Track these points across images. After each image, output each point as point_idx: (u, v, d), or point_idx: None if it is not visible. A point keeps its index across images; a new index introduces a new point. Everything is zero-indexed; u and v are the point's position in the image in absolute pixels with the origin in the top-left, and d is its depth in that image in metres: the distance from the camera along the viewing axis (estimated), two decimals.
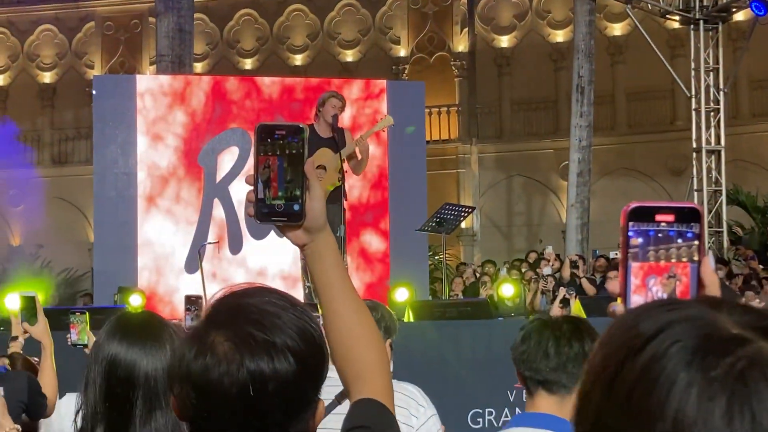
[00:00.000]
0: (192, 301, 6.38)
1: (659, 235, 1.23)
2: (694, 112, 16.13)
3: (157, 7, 17.75)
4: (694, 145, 16.11)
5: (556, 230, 21.35)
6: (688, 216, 1.24)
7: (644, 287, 1.23)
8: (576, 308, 10.17)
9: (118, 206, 12.62)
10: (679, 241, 1.23)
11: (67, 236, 22.48)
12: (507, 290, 13.04)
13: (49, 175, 23.49)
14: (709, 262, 1.24)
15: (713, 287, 1.23)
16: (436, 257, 16.85)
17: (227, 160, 12.65)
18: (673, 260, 1.23)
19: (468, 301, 11.13)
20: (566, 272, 13.34)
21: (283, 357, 1.54)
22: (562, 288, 11.41)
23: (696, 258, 1.23)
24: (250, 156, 12.24)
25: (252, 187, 1.66)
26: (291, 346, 1.55)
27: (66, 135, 25.03)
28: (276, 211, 1.66)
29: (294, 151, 1.66)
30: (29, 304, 4.61)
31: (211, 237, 12.26)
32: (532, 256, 16.05)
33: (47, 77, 25.84)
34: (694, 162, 16.17)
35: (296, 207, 1.66)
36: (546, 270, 13.60)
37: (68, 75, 25.61)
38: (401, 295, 11.46)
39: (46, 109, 25.53)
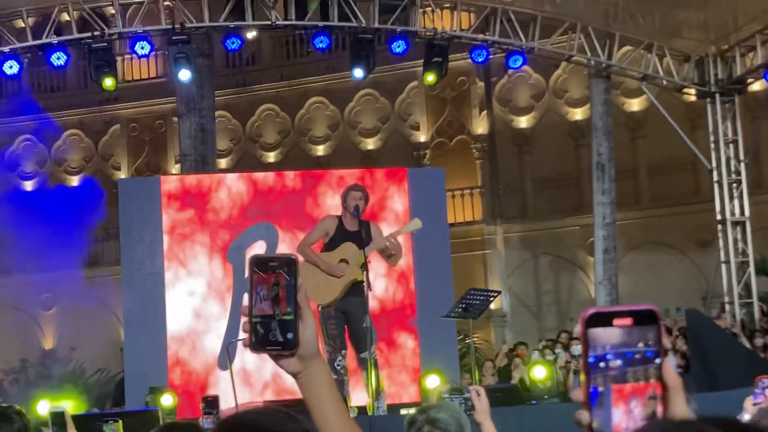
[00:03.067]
0: (209, 403, 6.37)
1: (637, 355, 1.24)
2: (716, 185, 16.13)
3: (179, 108, 18.13)
4: (719, 217, 16.08)
5: (587, 307, 21.05)
6: (646, 318, 1.24)
7: (627, 408, 1.23)
8: None
9: (146, 307, 12.73)
10: (657, 360, 1.24)
11: (99, 337, 22.57)
12: (539, 372, 12.94)
13: (80, 277, 23.66)
14: (670, 363, 1.25)
15: (676, 388, 1.26)
16: (466, 341, 16.78)
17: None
18: (652, 380, 1.24)
19: (499, 387, 11.07)
20: None
21: None
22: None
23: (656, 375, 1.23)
24: (277, 250, 12.35)
25: (246, 319, 1.71)
26: None
27: (96, 236, 25.28)
28: (269, 339, 1.70)
29: (294, 280, 1.71)
30: (59, 419, 4.66)
31: (243, 333, 12.29)
32: (564, 336, 15.95)
33: (74, 181, 26.22)
34: (719, 234, 16.12)
35: (290, 335, 1.70)
36: (575, 350, 13.51)
37: (95, 177, 25.96)
38: (432, 382, 11.42)
39: (74, 211, 25.81)
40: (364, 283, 9.10)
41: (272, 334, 1.70)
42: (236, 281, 12.79)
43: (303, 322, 1.72)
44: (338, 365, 9.30)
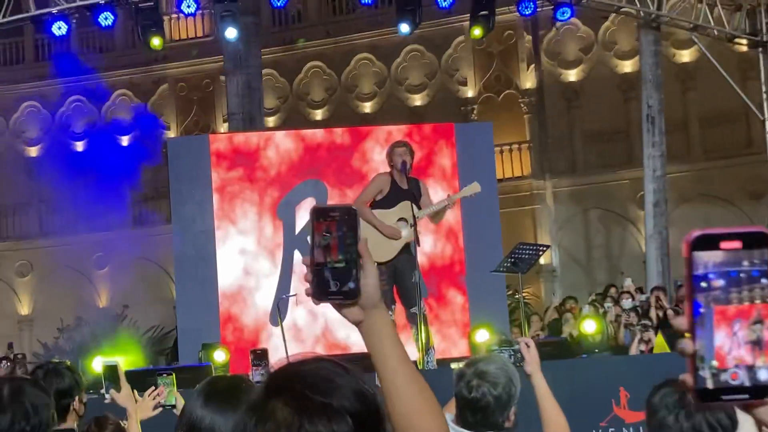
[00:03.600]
0: (258, 356, 6.42)
1: (742, 275, 1.17)
2: None
3: (226, 66, 18.16)
4: None
5: (638, 261, 21.09)
6: (757, 241, 1.17)
7: (726, 332, 1.17)
8: (659, 342, 10.07)
9: (198, 264, 12.86)
10: (764, 281, 1.16)
11: (152, 295, 22.89)
12: (589, 326, 12.90)
13: (132, 236, 23.96)
14: None
15: None
16: (516, 296, 16.77)
17: (305, 211, 12.82)
18: (758, 301, 1.16)
19: (548, 340, 11.07)
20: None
21: (341, 419, 1.58)
22: (637, 328, 11.30)
23: None
24: None
25: (308, 269, 1.73)
26: (348, 407, 1.59)
27: (145, 195, 25.55)
28: (332, 289, 1.72)
29: (348, 229, 1.73)
30: (112, 372, 4.72)
31: (293, 289, 12.41)
32: (613, 291, 15.88)
33: (125, 140, 26.45)
34: None
35: (351, 285, 1.72)
36: (626, 303, 13.45)
37: (145, 137, 26.18)
38: (482, 336, 11.46)
39: (126, 170, 26.08)
40: (413, 240, 9.12)
41: (327, 283, 1.71)
42: (286, 238, 12.87)
43: (364, 271, 1.73)
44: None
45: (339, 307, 1.75)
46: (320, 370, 1.63)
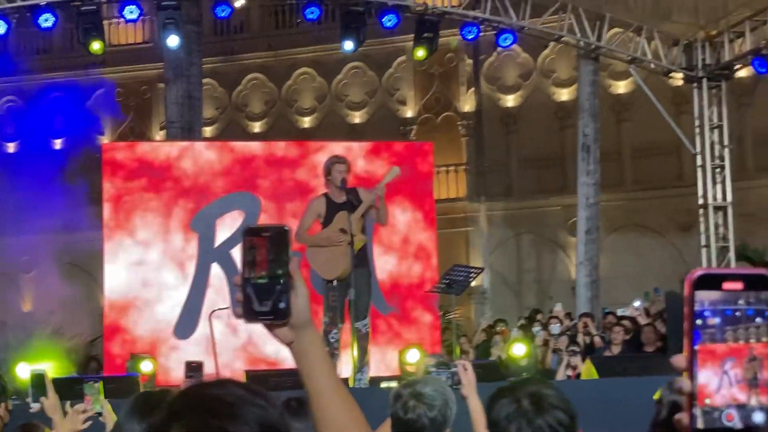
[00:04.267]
0: (193, 368, 6.39)
1: (737, 313, 1.17)
2: (699, 169, 16.19)
3: (167, 74, 18.02)
4: (701, 202, 16.15)
5: (566, 287, 21.34)
6: (758, 283, 1.16)
7: (720, 371, 1.17)
8: (586, 368, 10.17)
9: (80, 274, 12.81)
10: (758, 320, 1.16)
11: (79, 301, 22.53)
12: (518, 350, 13.01)
13: (61, 241, 23.58)
14: None
15: None
16: (447, 317, 16.85)
17: (227, 225, 12.71)
18: (752, 341, 1.16)
19: (479, 363, 11.12)
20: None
21: None
22: (565, 353, 11.42)
23: None
24: (258, 220, 12.33)
25: (240, 288, 1.71)
26: None
27: (77, 200, 25.17)
28: (262, 310, 1.70)
29: (276, 247, 1.71)
30: (39, 380, 4.64)
31: (207, 302, 12.29)
32: (540, 315, 16.05)
33: (58, 144, 26.08)
34: (701, 218, 16.20)
35: (282, 305, 1.70)
36: (554, 328, 13.60)
37: (79, 141, 25.83)
38: (412, 356, 11.47)
39: (57, 175, 25.71)
40: (368, 252, 9.12)
41: (251, 299, 1.69)
42: (201, 250, 12.72)
43: (295, 291, 1.71)
44: (332, 338, 9.27)
45: (270, 328, 1.74)
46: (226, 396, 1.58)
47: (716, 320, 1.16)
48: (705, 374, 1.17)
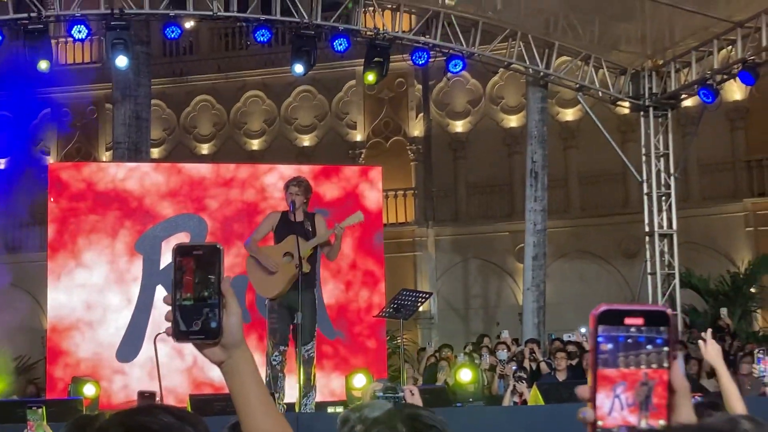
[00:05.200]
0: (146, 398, 6.33)
1: (629, 340, 1.21)
2: (645, 197, 16.38)
3: (114, 95, 17.87)
4: (647, 229, 16.33)
5: (513, 312, 21.44)
6: (658, 319, 1.22)
7: (612, 394, 1.22)
8: (533, 394, 10.19)
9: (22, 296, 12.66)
10: (649, 347, 1.22)
11: (21, 323, 22.16)
12: (465, 375, 13.00)
13: (3, 262, 23.23)
14: (679, 366, 1.23)
15: (684, 392, 1.24)
16: (394, 342, 16.82)
17: (173, 245, 12.57)
18: (643, 367, 1.22)
19: (426, 388, 11.10)
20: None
21: None
22: (512, 379, 11.45)
23: (666, 364, 1.22)
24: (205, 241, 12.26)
25: (170, 308, 1.68)
26: None
27: (20, 221, 24.84)
28: (193, 329, 1.68)
29: (205, 267, 1.69)
30: None
31: (154, 324, 12.15)
32: (487, 340, 16.10)
33: (2, 164, 25.73)
34: (647, 246, 16.37)
35: (213, 324, 1.68)
36: (501, 354, 13.63)
37: (24, 161, 25.51)
38: (359, 381, 11.42)
39: (1, 195, 25.36)
40: (315, 277, 9.10)
41: (195, 323, 1.67)
42: (145, 272, 12.60)
43: (227, 310, 1.70)
44: (274, 360, 9.23)
45: (200, 347, 1.72)
46: (152, 423, 1.57)
47: (609, 346, 1.21)
48: (599, 397, 1.22)
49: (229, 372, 1.74)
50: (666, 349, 1.22)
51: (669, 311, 1.25)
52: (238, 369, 1.74)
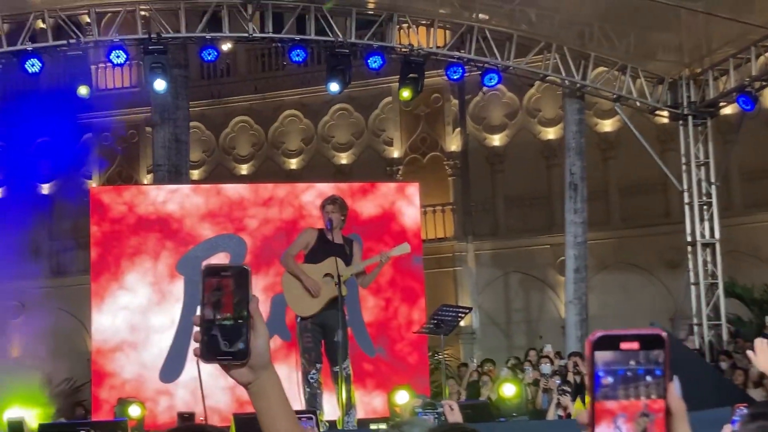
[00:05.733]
0: (185, 419, 6.36)
1: (628, 373, 1.24)
2: (687, 206, 16.25)
3: (154, 118, 18.05)
4: (689, 239, 16.19)
5: (556, 326, 21.32)
6: (653, 342, 1.25)
7: (613, 426, 1.23)
8: (578, 407, 10.14)
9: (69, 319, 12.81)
10: (648, 378, 1.24)
11: (66, 347, 22.39)
12: (508, 390, 12.97)
13: (48, 286, 23.50)
14: (675, 389, 1.25)
15: (680, 414, 1.26)
16: (436, 357, 16.79)
17: None
18: (642, 398, 1.24)
19: (468, 403, 11.07)
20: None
21: None
22: (556, 393, 11.39)
23: (663, 393, 1.24)
24: (244, 262, 12.31)
25: (198, 328, 1.70)
26: None
27: (64, 245, 25.13)
28: (219, 349, 1.69)
29: (238, 288, 1.71)
30: (17, 428, 4.59)
31: (196, 344, 12.22)
32: (532, 354, 16.01)
33: (45, 189, 26.06)
34: (689, 255, 16.22)
35: (241, 345, 1.69)
36: (544, 368, 13.56)
37: (66, 186, 25.82)
38: (401, 398, 11.41)
39: (45, 220, 25.67)
40: (339, 296, 9.10)
41: (216, 340, 1.69)
42: (187, 293, 12.69)
43: (255, 331, 1.70)
44: (312, 378, 9.25)
45: (227, 368, 1.73)
46: None
47: (610, 379, 1.24)
48: (599, 429, 1.24)
49: (256, 393, 1.75)
50: (654, 379, 1.24)
51: (664, 334, 1.26)
52: (265, 390, 1.75)
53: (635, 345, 1.25)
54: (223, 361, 1.71)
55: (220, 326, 1.69)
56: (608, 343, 1.25)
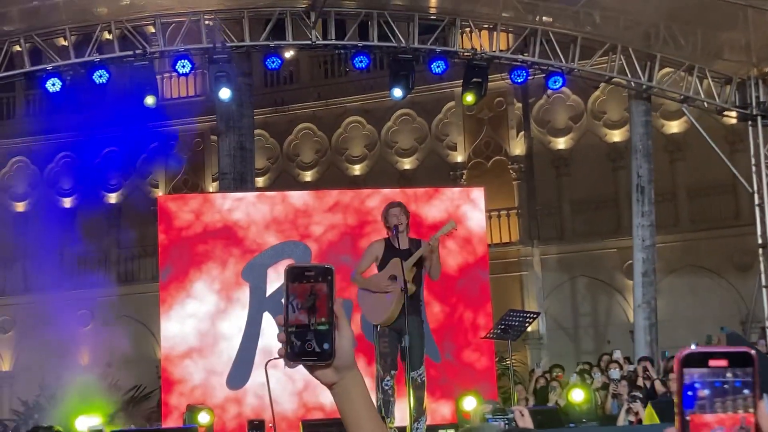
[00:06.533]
0: (255, 426, 6.39)
1: (725, 386, 1.23)
2: (757, 208, 15.96)
3: (219, 126, 18.21)
4: (760, 241, 15.89)
5: (624, 330, 21.05)
6: (742, 360, 1.24)
7: None
8: (648, 413, 9.98)
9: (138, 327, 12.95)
10: (746, 391, 1.23)
11: (135, 354, 22.67)
12: (577, 395, 12.83)
13: (116, 294, 23.82)
14: (765, 407, 1.23)
15: None
16: (503, 363, 16.68)
17: (279, 273, 12.76)
18: (740, 412, 1.22)
19: (538, 409, 10.97)
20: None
21: None
22: (625, 398, 11.23)
23: (752, 408, 1.23)
24: None
25: (283, 329, 1.69)
26: None
27: (132, 253, 25.46)
28: (305, 350, 1.68)
29: (330, 290, 1.70)
30: None
31: (262, 351, 12.30)
32: (605, 359, 15.82)
33: (113, 198, 26.43)
34: (761, 258, 15.92)
35: (326, 346, 1.68)
36: (613, 373, 13.38)
37: (134, 195, 26.19)
38: (469, 404, 11.35)
39: (113, 228, 26.05)
40: (419, 301, 9.06)
41: (308, 345, 1.68)
42: (253, 300, 12.75)
43: (339, 332, 1.70)
44: (386, 385, 9.16)
45: (312, 369, 1.72)
46: None
47: (706, 392, 1.23)
48: None
49: (340, 394, 1.74)
50: (751, 392, 1.23)
51: (752, 352, 1.25)
52: (349, 391, 1.74)
53: (724, 362, 1.24)
54: (308, 361, 1.70)
55: (315, 331, 1.68)
56: (697, 360, 1.24)
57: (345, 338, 1.70)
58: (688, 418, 1.23)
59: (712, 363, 1.24)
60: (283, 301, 1.71)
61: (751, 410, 1.22)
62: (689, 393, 1.23)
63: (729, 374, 1.23)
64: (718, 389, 1.23)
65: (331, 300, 1.69)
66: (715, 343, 14.99)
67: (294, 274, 1.70)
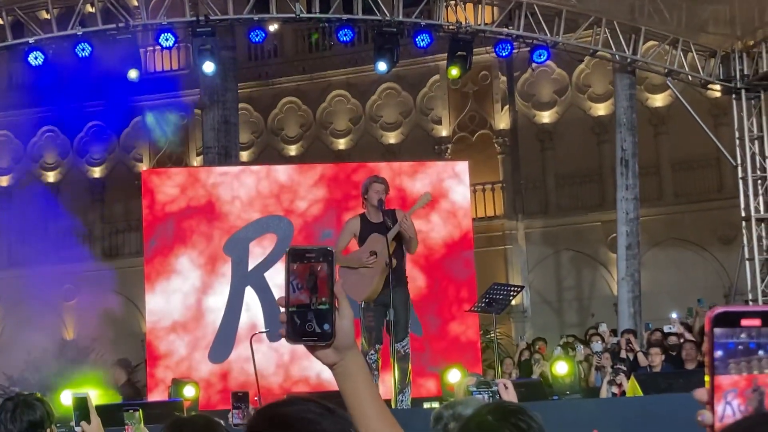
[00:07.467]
0: (239, 398, 6.40)
1: (740, 347, 1.21)
2: (740, 181, 16.02)
3: (203, 100, 18.13)
4: (743, 214, 15.97)
5: (608, 303, 21.16)
6: None
7: (723, 402, 1.20)
8: (631, 385, 10.04)
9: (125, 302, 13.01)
10: (761, 352, 1.21)
11: (121, 329, 22.66)
12: (561, 368, 12.90)
13: (101, 269, 23.77)
14: None
15: None
16: (488, 336, 16.75)
17: (261, 247, 12.75)
18: (755, 372, 1.20)
19: (522, 381, 11.02)
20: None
21: None
22: (608, 369, 11.29)
23: None
24: (291, 243, 12.34)
25: (284, 310, 1.70)
26: None
27: (116, 228, 25.41)
28: (306, 330, 1.70)
29: (330, 270, 1.72)
30: (82, 404, 4.62)
31: (244, 325, 12.33)
32: (590, 333, 15.91)
33: (97, 172, 26.33)
34: (744, 230, 16.00)
35: (326, 326, 1.70)
36: (595, 346, 13.46)
37: (117, 169, 26.10)
38: (454, 376, 11.40)
39: (97, 202, 25.97)
40: (403, 273, 9.07)
41: (309, 325, 1.70)
42: (235, 274, 12.74)
43: (339, 313, 1.72)
44: (370, 359, 9.19)
45: (313, 350, 1.74)
46: (305, 413, 1.60)
47: (719, 353, 1.20)
48: (731, 405, 1.21)
49: (341, 374, 1.76)
50: (761, 353, 1.20)
51: None
52: (350, 371, 1.76)
53: (757, 322, 1.21)
54: (309, 342, 1.72)
55: (316, 311, 1.70)
56: (728, 319, 1.21)
57: (345, 318, 1.72)
58: (722, 382, 1.21)
59: (745, 323, 1.21)
60: (284, 281, 1.73)
61: (767, 371, 1.20)
62: (722, 357, 1.21)
63: (744, 335, 1.21)
64: (732, 350, 1.20)
65: (332, 280, 1.71)
66: (694, 317, 15.11)
67: (295, 255, 1.72)
